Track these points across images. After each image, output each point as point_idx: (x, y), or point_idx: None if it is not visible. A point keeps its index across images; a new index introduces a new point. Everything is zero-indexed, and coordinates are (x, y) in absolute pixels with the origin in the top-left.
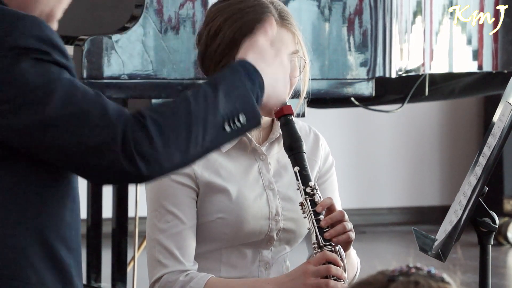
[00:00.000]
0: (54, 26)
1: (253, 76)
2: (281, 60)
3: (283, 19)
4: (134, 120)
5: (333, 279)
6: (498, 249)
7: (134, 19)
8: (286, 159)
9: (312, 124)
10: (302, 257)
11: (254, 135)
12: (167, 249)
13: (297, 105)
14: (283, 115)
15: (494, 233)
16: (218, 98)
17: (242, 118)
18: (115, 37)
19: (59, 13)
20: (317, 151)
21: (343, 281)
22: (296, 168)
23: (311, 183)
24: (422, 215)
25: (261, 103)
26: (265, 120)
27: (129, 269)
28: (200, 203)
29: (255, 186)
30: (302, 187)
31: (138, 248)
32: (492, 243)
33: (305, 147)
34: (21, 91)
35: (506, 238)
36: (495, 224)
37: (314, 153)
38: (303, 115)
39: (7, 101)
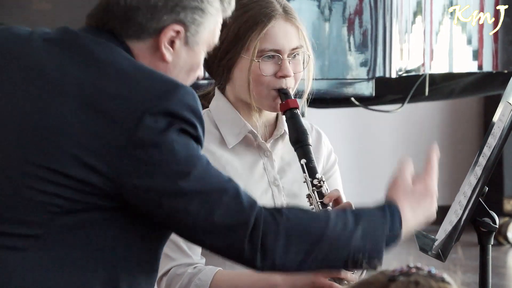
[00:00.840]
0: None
1: (395, 225)
2: (429, 201)
3: (287, 13)
4: (269, 213)
5: None
6: (498, 249)
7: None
8: (290, 156)
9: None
10: None
11: (259, 132)
12: (174, 243)
13: (302, 102)
14: (289, 109)
15: (494, 233)
16: (355, 233)
17: (365, 259)
18: None
19: (202, 61)
20: (319, 149)
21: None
22: (303, 161)
23: (318, 175)
24: None
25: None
26: (269, 117)
27: None
28: None
29: (261, 182)
30: (309, 179)
31: None
32: (492, 243)
33: (311, 140)
34: (166, 159)
35: (506, 238)
36: (495, 224)
37: (317, 150)
38: (303, 115)
39: (150, 163)
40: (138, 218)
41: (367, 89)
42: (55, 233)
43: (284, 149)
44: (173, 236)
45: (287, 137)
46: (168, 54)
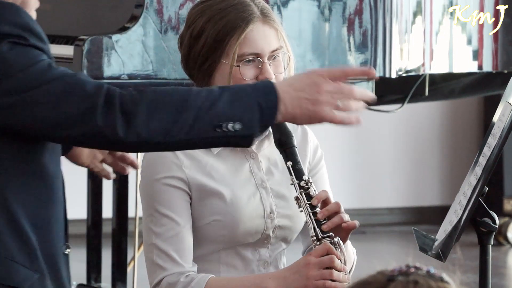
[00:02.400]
0: (33, 15)
1: (269, 96)
2: (317, 93)
3: (265, 16)
4: (126, 90)
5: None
6: (498, 249)
7: (134, 19)
8: (275, 156)
9: (312, 124)
10: (298, 252)
11: None
12: (165, 253)
13: None
14: None
15: (494, 233)
16: (221, 98)
17: (237, 126)
18: (115, 37)
19: (33, 2)
20: (306, 145)
21: (344, 272)
22: (289, 163)
23: (305, 177)
24: (422, 215)
25: (275, 121)
26: None
27: (129, 269)
28: (194, 207)
29: (248, 186)
30: (296, 181)
31: (138, 248)
32: (492, 243)
33: (295, 142)
34: (3, 73)
35: (506, 238)
36: (495, 224)
37: (303, 147)
38: None
39: None
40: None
41: (367, 89)
42: None
43: (270, 149)
44: (163, 246)
45: (271, 136)
46: None
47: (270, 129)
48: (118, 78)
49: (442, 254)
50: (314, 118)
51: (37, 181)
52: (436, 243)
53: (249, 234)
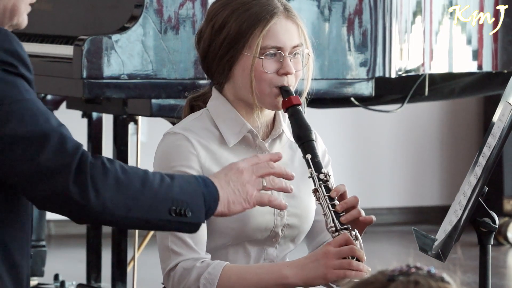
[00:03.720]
0: (23, 20)
1: (210, 188)
2: (246, 186)
3: (288, 11)
4: (94, 156)
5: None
6: (498, 249)
7: (134, 19)
8: (286, 156)
9: (312, 124)
10: (302, 255)
11: (260, 131)
12: (181, 239)
13: (302, 101)
14: (292, 106)
15: (494, 233)
16: (173, 184)
17: (188, 212)
18: (115, 37)
19: (23, 7)
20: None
21: (363, 262)
22: (308, 156)
23: (324, 170)
24: (422, 215)
25: (214, 213)
26: (268, 117)
27: (129, 269)
28: None
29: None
30: (315, 173)
31: (138, 248)
32: (492, 243)
33: (314, 136)
34: None
35: (506, 238)
36: (495, 224)
37: None
38: None
39: None
40: None
41: (367, 89)
42: None
43: (281, 149)
44: (179, 233)
45: (284, 137)
46: None
47: (283, 128)
48: (117, 78)
49: (442, 254)
50: (247, 201)
51: (26, 208)
52: (436, 243)
53: (259, 230)
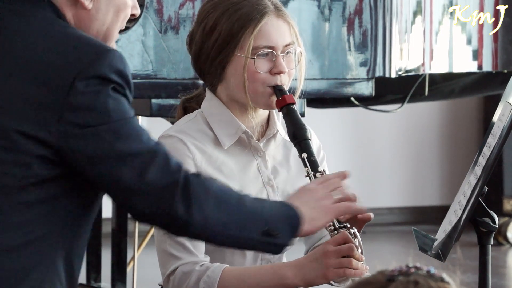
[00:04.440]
0: (113, 45)
1: (293, 211)
2: (325, 204)
3: (278, 10)
4: (194, 174)
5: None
6: (498, 249)
7: (134, 19)
8: (281, 155)
9: (312, 124)
10: (299, 253)
11: (255, 132)
12: (179, 242)
13: (296, 99)
14: (286, 105)
15: (494, 233)
16: (263, 205)
17: (277, 234)
18: None
19: (115, 33)
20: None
21: (362, 261)
22: (304, 155)
23: (320, 168)
24: (422, 215)
25: (301, 233)
26: (262, 117)
27: (129, 269)
28: None
29: (255, 183)
30: (312, 172)
31: (138, 248)
32: (492, 243)
33: (309, 135)
34: (100, 121)
35: (506, 238)
36: (495, 224)
37: None
38: (303, 115)
39: (85, 126)
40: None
41: (367, 89)
42: (12, 212)
43: (276, 149)
44: (178, 236)
45: (278, 136)
46: (86, 2)
47: (278, 127)
48: None
49: (441, 254)
50: (326, 214)
51: (88, 228)
52: (436, 243)
53: None
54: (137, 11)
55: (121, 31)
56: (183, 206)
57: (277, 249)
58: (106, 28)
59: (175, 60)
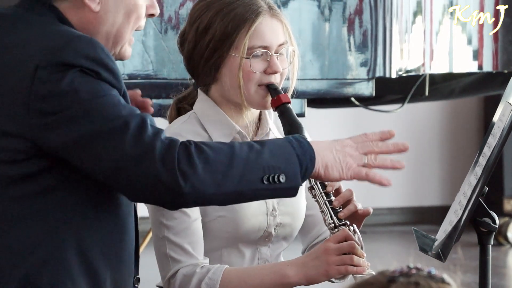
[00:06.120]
0: (126, 50)
1: (304, 148)
2: (346, 155)
3: (272, 9)
4: (180, 142)
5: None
6: (498, 249)
7: None
8: None
9: (312, 124)
10: (296, 253)
11: (250, 131)
12: (179, 245)
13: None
14: (281, 104)
15: (494, 233)
16: (263, 151)
17: (282, 178)
18: None
19: (127, 35)
20: None
21: (363, 257)
22: None
23: None
24: (422, 215)
25: (310, 175)
26: (254, 115)
27: None
28: None
29: None
30: None
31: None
32: (492, 243)
33: (306, 134)
34: (69, 102)
35: (506, 238)
36: (495, 224)
37: None
38: (303, 115)
39: (54, 113)
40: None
41: (367, 89)
42: (8, 207)
43: None
44: (176, 239)
45: (271, 134)
46: (93, 4)
47: (270, 126)
48: None
49: (442, 254)
50: (345, 170)
51: (110, 222)
52: (436, 243)
53: (252, 231)
54: (155, 11)
55: None
56: (167, 174)
57: (288, 192)
58: (116, 30)
59: (175, 60)
